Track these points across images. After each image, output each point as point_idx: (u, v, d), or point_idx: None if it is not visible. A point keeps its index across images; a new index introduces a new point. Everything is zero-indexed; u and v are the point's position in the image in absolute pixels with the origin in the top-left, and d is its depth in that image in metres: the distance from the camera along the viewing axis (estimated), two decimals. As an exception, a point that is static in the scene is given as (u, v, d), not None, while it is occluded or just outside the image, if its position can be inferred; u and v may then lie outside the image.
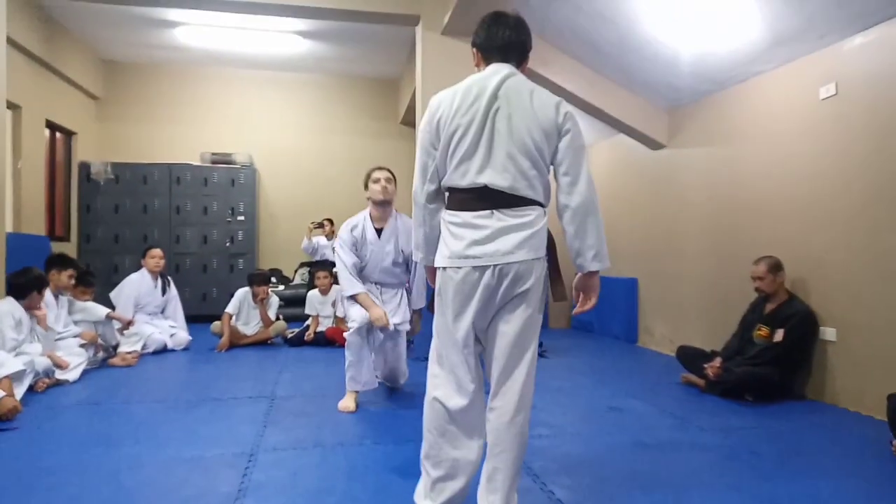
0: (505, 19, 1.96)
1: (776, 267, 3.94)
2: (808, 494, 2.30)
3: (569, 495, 2.26)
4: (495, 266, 1.81)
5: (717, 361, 3.94)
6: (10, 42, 5.27)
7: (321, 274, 6.14)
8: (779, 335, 3.79)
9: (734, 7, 3.82)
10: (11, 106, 5.70)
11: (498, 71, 1.91)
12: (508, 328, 1.86)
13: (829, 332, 3.75)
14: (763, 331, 3.90)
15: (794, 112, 4.06)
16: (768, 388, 3.73)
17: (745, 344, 4.02)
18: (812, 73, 3.90)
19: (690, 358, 4.22)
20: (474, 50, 2.01)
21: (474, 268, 1.83)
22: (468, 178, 1.85)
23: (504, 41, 1.95)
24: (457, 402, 1.88)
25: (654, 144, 5.70)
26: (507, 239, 1.82)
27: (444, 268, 1.91)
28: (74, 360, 4.15)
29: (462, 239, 1.85)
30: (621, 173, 6.56)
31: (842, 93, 3.69)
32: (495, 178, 1.82)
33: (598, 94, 5.40)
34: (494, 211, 1.83)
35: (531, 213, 1.85)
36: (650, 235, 5.95)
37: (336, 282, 6.55)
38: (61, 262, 4.58)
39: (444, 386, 1.91)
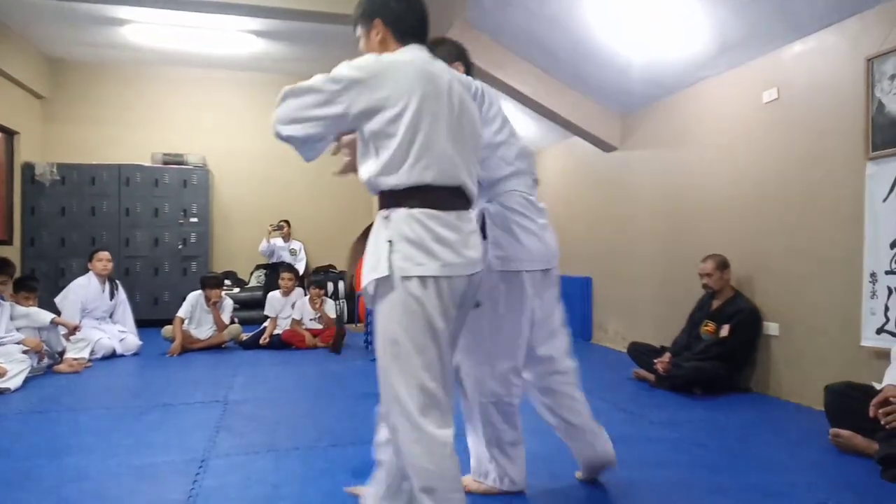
0: None
1: (723, 265, 4.08)
2: (753, 485, 2.38)
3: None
4: None
5: (667, 357, 4.04)
6: (-54, 37, 5.04)
7: (286, 275, 6.09)
8: (725, 331, 3.92)
9: (682, 15, 3.93)
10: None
11: None
12: None
13: (772, 328, 3.90)
14: (710, 326, 4.03)
15: (739, 115, 4.21)
16: (715, 382, 3.85)
17: (693, 340, 4.14)
18: (755, 78, 4.05)
19: (641, 354, 4.33)
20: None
21: None
22: None
23: None
24: None
25: (606, 147, 5.82)
26: None
27: None
28: (15, 368, 3.98)
29: None
30: (575, 175, 6.67)
31: (783, 97, 3.84)
32: None
33: (553, 97, 5.48)
34: None
35: None
36: (603, 235, 6.06)
37: (300, 284, 6.48)
38: None
39: None
